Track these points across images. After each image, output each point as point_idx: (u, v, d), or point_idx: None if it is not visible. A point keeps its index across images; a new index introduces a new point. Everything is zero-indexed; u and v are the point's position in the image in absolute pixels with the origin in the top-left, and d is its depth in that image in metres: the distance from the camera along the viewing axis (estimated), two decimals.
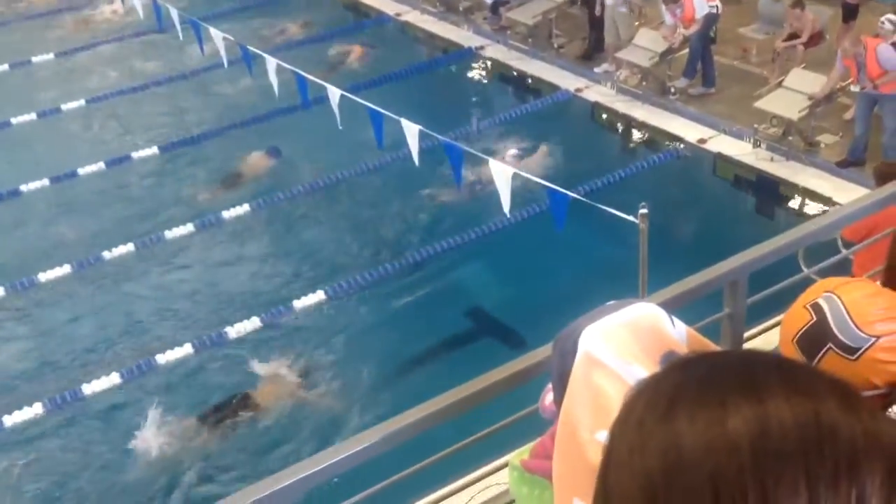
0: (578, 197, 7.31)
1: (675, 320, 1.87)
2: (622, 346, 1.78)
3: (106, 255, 9.79)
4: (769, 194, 10.35)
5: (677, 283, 2.62)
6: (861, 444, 0.69)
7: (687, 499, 0.69)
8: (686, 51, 11.84)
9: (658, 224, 6.75)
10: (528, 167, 10.12)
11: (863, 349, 1.65)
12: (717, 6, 11.78)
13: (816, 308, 1.72)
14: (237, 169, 11.47)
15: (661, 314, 1.87)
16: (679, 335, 1.87)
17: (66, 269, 9.60)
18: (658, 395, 0.77)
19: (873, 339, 1.65)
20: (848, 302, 1.69)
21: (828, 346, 1.67)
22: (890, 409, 1.62)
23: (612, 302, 1.88)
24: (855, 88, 9.86)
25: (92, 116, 13.00)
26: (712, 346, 1.97)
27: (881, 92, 9.57)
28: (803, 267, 5.78)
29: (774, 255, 2.89)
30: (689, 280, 2.65)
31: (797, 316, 1.75)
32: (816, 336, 1.70)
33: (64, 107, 13.09)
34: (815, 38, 11.44)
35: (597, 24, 12.84)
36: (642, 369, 1.76)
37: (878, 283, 1.92)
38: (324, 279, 9.31)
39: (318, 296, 9.00)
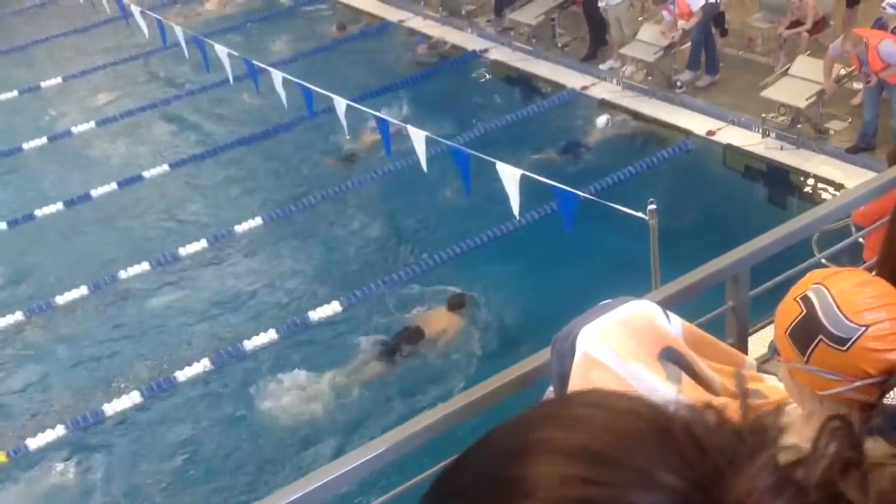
0: (586, 196, 7.30)
1: (671, 315, 1.88)
2: (619, 344, 1.79)
3: (122, 274, 9.87)
4: (780, 183, 10.31)
5: (678, 280, 2.63)
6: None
7: None
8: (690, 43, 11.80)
9: (671, 218, 6.74)
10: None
11: (853, 339, 1.65)
12: None
13: (806, 300, 1.72)
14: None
15: (656, 310, 1.88)
16: (675, 330, 1.88)
17: (82, 290, 9.69)
18: None
19: (863, 329, 1.65)
20: (836, 292, 1.69)
21: (819, 337, 1.68)
22: (887, 397, 1.62)
23: (606, 301, 1.89)
24: (859, 85, 9.78)
25: (102, 138, 13.09)
26: (708, 339, 1.98)
27: (888, 82, 9.51)
28: (816, 252, 5.77)
29: (775, 246, 2.88)
30: (690, 276, 2.66)
31: (788, 309, 1.75)
32: (807, 328, 1.70)
33: (74, 129, 13.19)
34: (819, 25, 11.38)
35: (595, 23, 12.81)
36: (640, 366, 1.77)
37: (874, 272, 1.93)
38: (337, 289, 9.34)
39: (333, 306, 9.03)
